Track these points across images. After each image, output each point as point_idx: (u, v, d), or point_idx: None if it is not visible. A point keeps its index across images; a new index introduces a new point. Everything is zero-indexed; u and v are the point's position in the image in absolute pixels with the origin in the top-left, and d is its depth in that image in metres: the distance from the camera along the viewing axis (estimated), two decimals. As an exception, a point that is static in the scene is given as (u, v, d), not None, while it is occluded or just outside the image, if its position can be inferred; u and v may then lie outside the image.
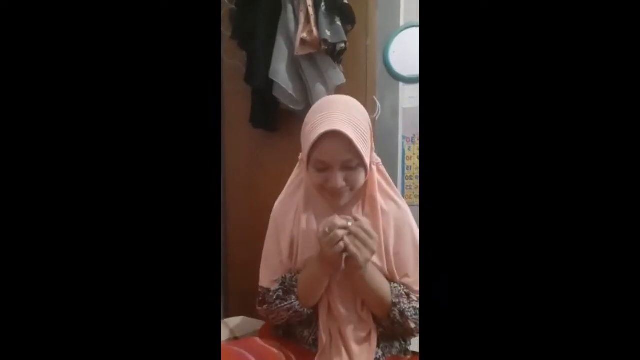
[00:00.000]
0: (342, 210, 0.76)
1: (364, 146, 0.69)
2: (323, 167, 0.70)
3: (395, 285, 0.76)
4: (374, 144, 0.78)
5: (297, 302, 0.77)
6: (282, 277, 0.80)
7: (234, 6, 1.28)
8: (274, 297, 0.79)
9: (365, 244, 0.67)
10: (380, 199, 0.77)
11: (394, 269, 0.77)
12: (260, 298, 0.82)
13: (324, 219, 0.72)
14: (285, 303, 0.77)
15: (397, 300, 0.75)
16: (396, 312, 0.74)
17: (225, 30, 1.32)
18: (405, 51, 1.60)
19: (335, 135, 0.67)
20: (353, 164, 0.70)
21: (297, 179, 0.82)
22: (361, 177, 0.72)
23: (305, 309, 0.78)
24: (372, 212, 0.77)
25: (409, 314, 0.74)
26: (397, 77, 1.62)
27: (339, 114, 0.68)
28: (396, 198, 0.79)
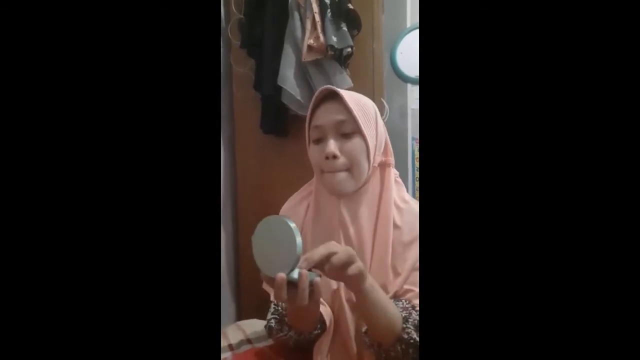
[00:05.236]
0: (353, 220, 0.70)
1: (363, 116, 0.68)
2: (319, 137, 0.70)
3: (396, 301, 0.67)
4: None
5: (292, 332, 0.69)
6: (274, 305, 0.73)
7: (242, 16, 1.31)
8: (268, 328, 0.72)
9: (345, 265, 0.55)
10: (394, 212, 0.71)
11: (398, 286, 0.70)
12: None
13: (331, 230, 0.68)
14: (281, 334, 0.70)
15: (407, 314, 0.65)
16: (411, 329, 0.64)
17: (234, 39, 1.35)
18: (412, 52, 1.59)
19: (330, 98, 0.70)
20: (348, 129, 0.67)
21: (308, 188, 0.79)
22: (359, 148, 0.68)
23: (306, 335, 0.69)
24: (386, 228, 0.70)
25: None
26: (405, 79, 1.62)
27: (341, 90, 0.69)
28: (414, 207, 0.73)
